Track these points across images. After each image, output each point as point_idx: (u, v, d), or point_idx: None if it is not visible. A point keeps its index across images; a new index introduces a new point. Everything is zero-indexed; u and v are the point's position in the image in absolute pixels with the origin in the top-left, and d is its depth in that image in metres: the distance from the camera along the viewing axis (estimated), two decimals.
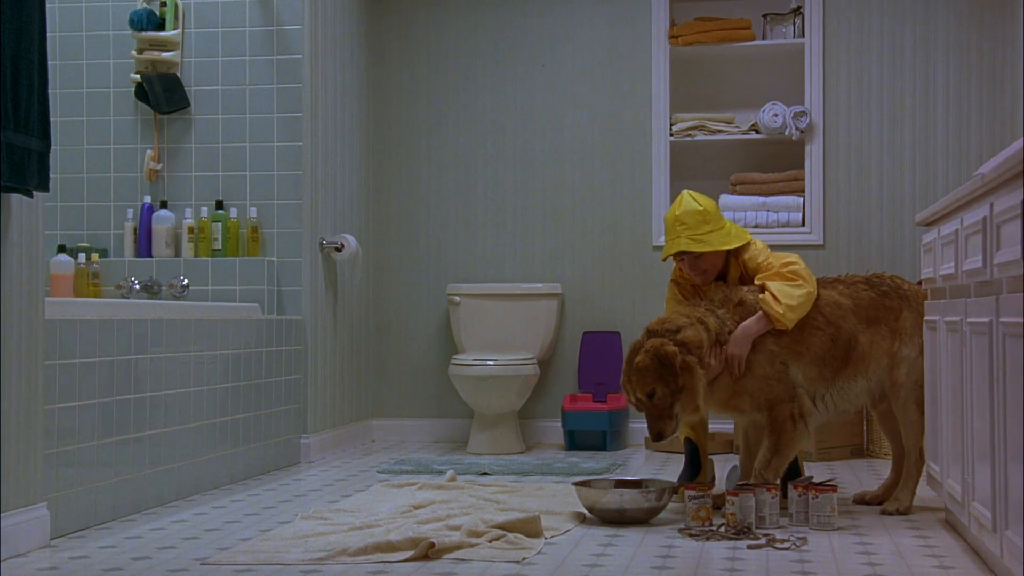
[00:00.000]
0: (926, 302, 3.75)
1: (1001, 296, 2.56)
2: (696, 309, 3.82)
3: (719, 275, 4.09)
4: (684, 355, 3.62)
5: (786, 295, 3.79)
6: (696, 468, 4.21)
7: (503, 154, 6.15)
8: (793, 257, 3.95)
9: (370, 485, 4.52)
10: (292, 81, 5.26)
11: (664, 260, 4.21)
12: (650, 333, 3.71)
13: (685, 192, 4.11)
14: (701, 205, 4.02)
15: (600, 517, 3.72)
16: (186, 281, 5.13)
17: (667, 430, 3.63)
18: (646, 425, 3.78)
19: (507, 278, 6.11)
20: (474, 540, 3.29)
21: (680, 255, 4.04)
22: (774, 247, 5.78)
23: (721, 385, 3.78)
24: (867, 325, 3.90)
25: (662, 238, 5.93)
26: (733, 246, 3.99)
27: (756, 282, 3.93)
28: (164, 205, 5.30)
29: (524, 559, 3.15)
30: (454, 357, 5.58)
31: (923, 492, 4.30)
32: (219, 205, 5.26)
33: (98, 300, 4.19)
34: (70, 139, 5.39)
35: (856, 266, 5.75)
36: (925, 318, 3.73)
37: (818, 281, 3.97)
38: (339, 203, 5.70)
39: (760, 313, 3.80)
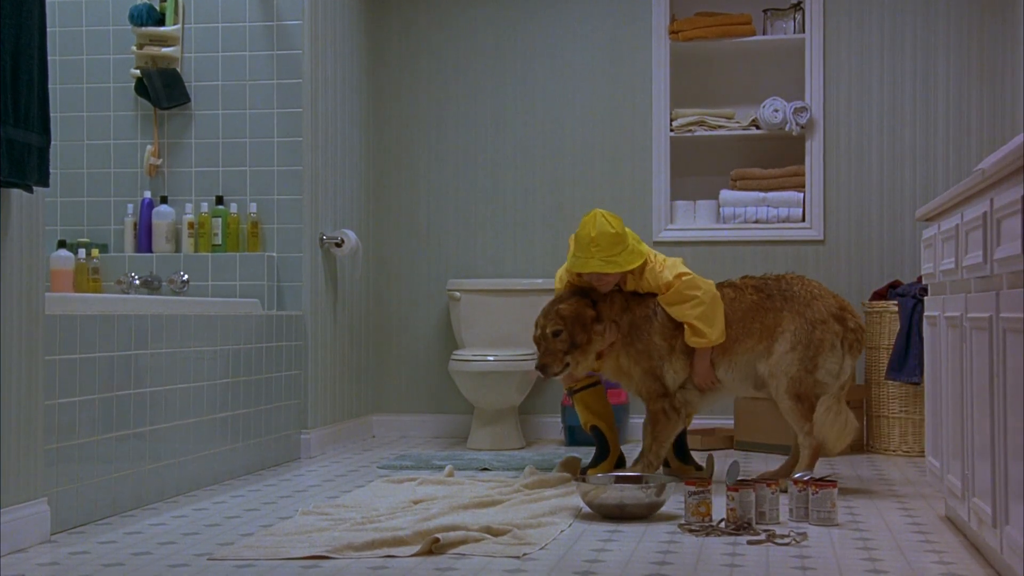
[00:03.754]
0: (927, 297, 3.76)
1: (1001, 291, 2.56)
2: (613, 292, 4.33)
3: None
4: (596, 323, 4.26)
5: (701, 320, 4.22)
6: (604, 453, 4.62)
7: (503, 149, 6.15)
8: (681, 267, 4.33)
9: (370, 480, 4.53)
10: (292, 77, 5.26)
11: (576, 274, 4.39)
12: (574, 290, 4.33)
13: (598, 213, 4.32)
14: (614, 228, 4.28)
15: (600, 512, 3.72)
16: (186, 276, 5.13)
17: (552, 368, 4.25)
18: (537, 361, 4.29)
19: (507, 274, 6.11)
20: (477, 535, 3.29)
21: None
22: (774, 243, 5.81)
23: (612, 360, 4.35)
24: (739, 322, 4.30)
25: (663, 233, 5.94)
26: (636, 265, 4.30)
27: (661, 302, 4.30)
28: (164, 200, 5.30)
29: (525, 554, 3.15)
30: (454, 353, 5.58)
31: (923, 488, 4.31)
32: (219, 200, 5.26)
33: (98, 295, 4.19)
34: (70, 134, 5.39)
35: (856, 261, 5.75)
36: (926, 313, 3.73)
37: (720, 284, 4.42)
38: (339, 199, 5.70)
39: (699, 351, 4.28)
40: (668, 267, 4.32)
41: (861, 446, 5.39)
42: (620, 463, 4.66)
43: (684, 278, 4.27)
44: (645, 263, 4.33)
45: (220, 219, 5.21)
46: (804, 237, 5.81)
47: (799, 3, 5.88)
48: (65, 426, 3.52)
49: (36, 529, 3.32)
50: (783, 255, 5.82)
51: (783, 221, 5.83)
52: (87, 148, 5.41)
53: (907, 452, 5.22)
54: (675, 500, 3.95)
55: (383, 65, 6.25)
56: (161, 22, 5.32)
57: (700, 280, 4.29)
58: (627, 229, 4.38)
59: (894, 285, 5.46)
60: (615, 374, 4.40)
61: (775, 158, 6.02)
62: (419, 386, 6.21)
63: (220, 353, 4.52)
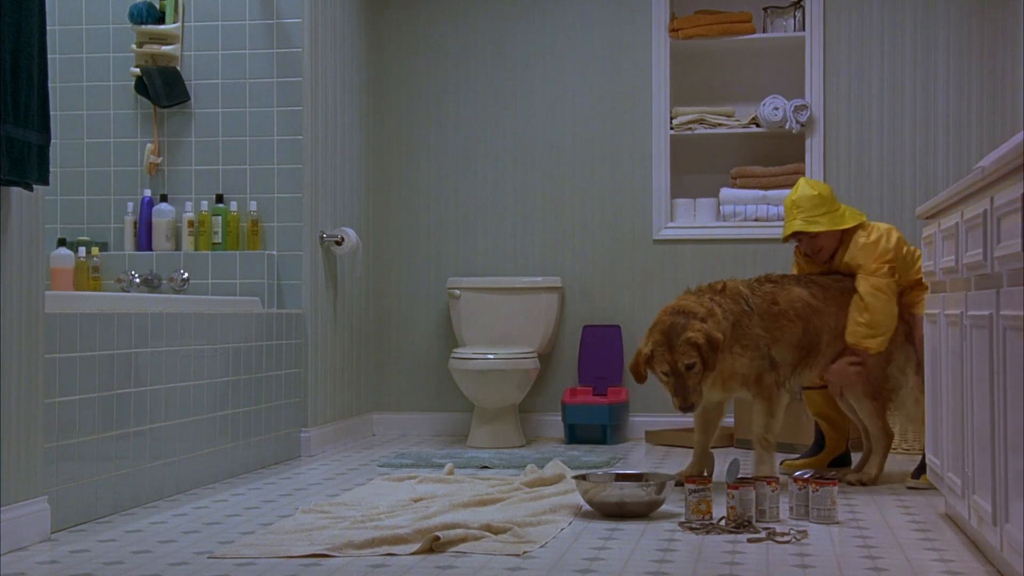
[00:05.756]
0: (926, 295, 3.76)
1: (1001, 289, 2.56)
2: (703, 299, 4.12)
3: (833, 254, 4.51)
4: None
5: (866, 327, 4.27)
6: (819, 448, 4.75)
7: (503, 147, 6.14)
8: (883, 259, 4.33)
9: (370, 479, 4.53)
10: (292, 75, 5.26)
11: (784, 241, 4.59)
12: (684, 313, 4.01)
13: (802, 179, 4.54)
14: (815, 190, 4.43)
15: (600, 510, 3.72)
16: (186, 275, 5.13)
17: (698, 403, 3.99)
18: (675, 398, 3.99)
19: (507, 272, 6.11)
20: (477, 533, 3.29)
21: (797, 235, 4.47)
22: (774, 241, 5.80)
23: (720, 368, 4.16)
24: (837, 312, 4.34)
25: (663, 231, 5.95)
26: (844, 226, 4.40)
27: (856, 282, 4.37)
28: (164, 199, 5.30)
29: (525, 552, 3.15)
30: (454, 351, 5.58)
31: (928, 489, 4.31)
32: (219, 199, 5.26)
33: (98, 294, 4.19)
34: (70, 133, 5.39)
35: None
36: (926, 311, 3.73)
37: (798, 279, 4.39)
38: (339, 197, 5.70)
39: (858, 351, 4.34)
40: (879, 252, 4.33)
41: (861, 444, 5.38)
42: (839, 462, 4.69)
43: (872, 279, 4.30)
44: (857, 232, 4.40)
45: (220, 217, 5.21)
46: None
47: (799, 1, 5.88)
48: (65, 424, 3.52)
49: (36, 527, 3.32)
50: (784, 253, 5.82)
51: (783, 219, 5.82)
52: (87, 146, 5.41)
53: (907, 450, 5.22)
54: (675, 498, 3.95)
55: (383, 63, 6.25)
56: (161, 20, 5.32)
57: (884, 285, 4.29)
58: (849, 208, 4.48)
59: None
60: (719, 382, 4.15)
61: (775, 156, 6.01)
62: (419, 384, 6.21)
63: (220, 351, 4.52)
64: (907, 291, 4.45)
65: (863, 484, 4.30)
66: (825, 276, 4.46)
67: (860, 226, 4.46)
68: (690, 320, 3.97)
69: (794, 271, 4.66)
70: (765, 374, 4.17)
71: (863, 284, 4.33)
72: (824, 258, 4.49)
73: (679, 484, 4.00)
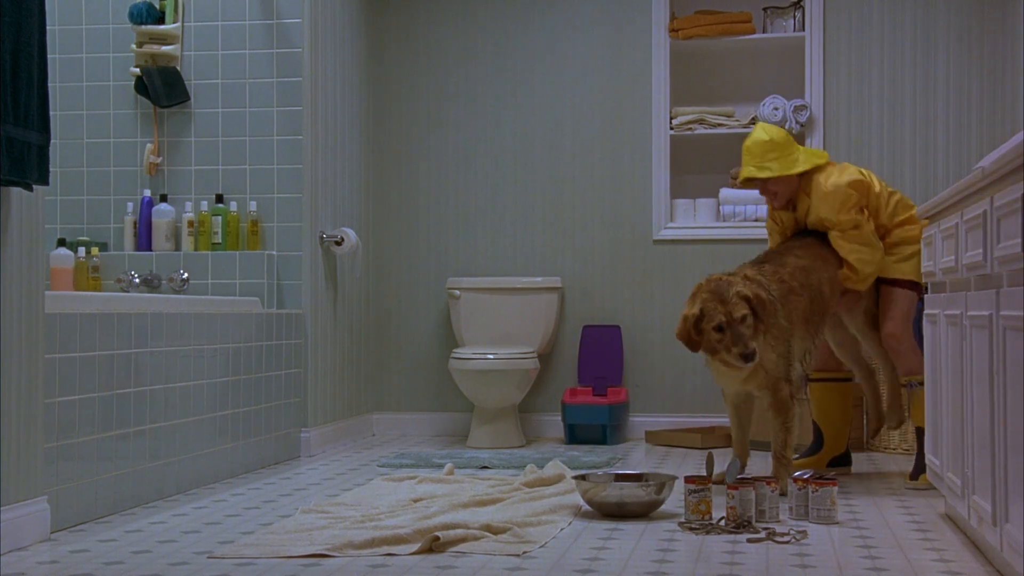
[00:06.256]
0: (926, 295, 3.76)
1: (1001, 290, 2.56)
2: (731, 277, 4.08)
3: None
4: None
5: (857, 279, 4.34)
6: (818, 447, 4.68)
7: (503, 147, 6.14)
8: (850, 203, 4.30)
9: (370, 479, 4.53)
10: (292, 75, 5.26)
11: (739, 185, 4.61)
12: (722, 280, 3.97)
13: (758, 124, 4.48)
14: (768, 136, 4.37)
15: (600, 510, 3.72)
16: (186, 275, 5.13)
17: (756, 352, 3.86)
18: (734, 347, 3.86)
19: (507, 272, 6.11)
20: (477, 533, 3.29)
21: (750, 181, 4.43)
22: None
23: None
24: (823, 265, 4.31)
25: (663, 231, 5.95)
26: (796, 171, 4.35)
27: (832, 242, 4.35)
28: (164, 199, 5.30)
29: (525, 552, 3.15)
30: (454, 351, 5.58)
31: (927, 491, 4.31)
32: (219, 199, 5.26)
33: (98, 294, 4.19)
34: (70, 133, 5.39)
35: None
36: (926, 311, 3.73)
37: (779, 250, 4.34)
38: (339, 197, 5.70)
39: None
40: (840, 200, 4.27)
41: (861, 443, 5.38)
42: (838, 462, 4.64)
43: (848, 235, 4.30)
44: (815, 178, 4.34)
45: (220, 217, 5.21)
46: None
47: (799, 1, 5.88)
48: (65, 424, 3.52)
49: (36, 527, 3.32)
50: None
51: None
52: (87, 146, 5.41)
53: (907, 450, 5.22)
54: (675, 498, 3.95)
55: (383, 63, 6.25)
56: (161, 20, 5.32)
57: (861, 236, 4.30)
58: (807, 151, 4.40)
59: None
60: (748, 374, 4.08)
61: None
62: (419, 384, 6.21)
63: (220, 351, 4.52)
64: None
65: (901, 423, 4.57)
66: (797, 237, 4.45)
67: (819, 169, 4.39)
68: (733, 282, 3.96)
69: (768, 216, 4.63)
70: (782, 384, 4.06)
71: (842, 245, 4.31)
72: (781, 204, 4.44)
73: (718, 483, 3.94)
